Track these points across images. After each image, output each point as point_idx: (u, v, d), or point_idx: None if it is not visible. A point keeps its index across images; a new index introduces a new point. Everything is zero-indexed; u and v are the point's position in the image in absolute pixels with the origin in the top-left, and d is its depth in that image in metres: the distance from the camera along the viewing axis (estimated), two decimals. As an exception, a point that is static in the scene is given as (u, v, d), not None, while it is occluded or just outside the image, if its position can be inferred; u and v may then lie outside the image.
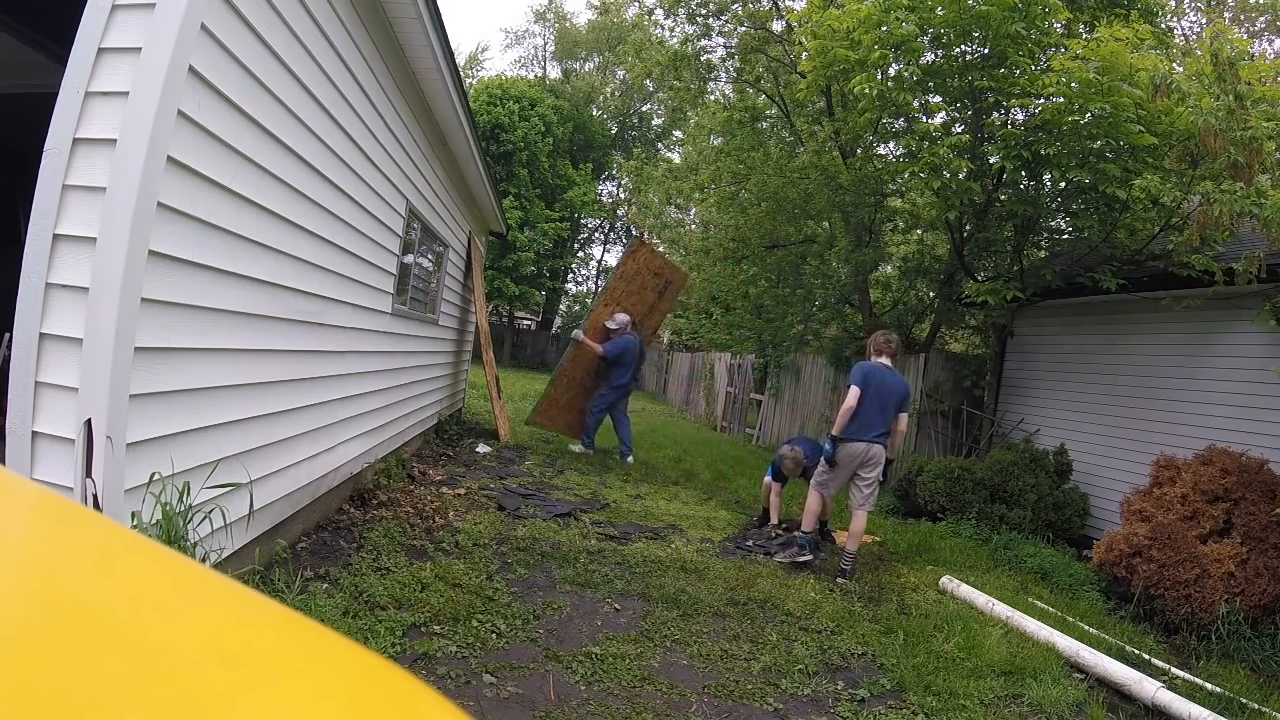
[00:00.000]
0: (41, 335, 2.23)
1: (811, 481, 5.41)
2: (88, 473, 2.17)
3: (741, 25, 13.06)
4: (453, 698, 1.17)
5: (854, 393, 5.00)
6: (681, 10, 13.57)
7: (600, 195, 32.09)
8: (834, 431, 5.12)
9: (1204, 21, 13.68)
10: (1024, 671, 3.68)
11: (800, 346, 12.27)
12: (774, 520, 6.15)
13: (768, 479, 6.29)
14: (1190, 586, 4.68)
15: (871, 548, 6.00)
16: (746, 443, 13.28)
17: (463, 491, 5.86)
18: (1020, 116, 7.79)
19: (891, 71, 7.78)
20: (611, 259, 35.31)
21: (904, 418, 5.21)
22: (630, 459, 8.55)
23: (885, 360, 5.22)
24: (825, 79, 8.65)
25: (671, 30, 15.03)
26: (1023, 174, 7.93)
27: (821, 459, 5.31)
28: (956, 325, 10.76)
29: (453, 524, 4.87)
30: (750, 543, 5.74)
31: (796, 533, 5.35)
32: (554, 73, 35.12)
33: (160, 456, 2.51)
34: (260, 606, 0.50)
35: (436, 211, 6.78)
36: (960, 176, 7.79)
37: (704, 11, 13.31)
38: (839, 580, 4.95)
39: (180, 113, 2.34)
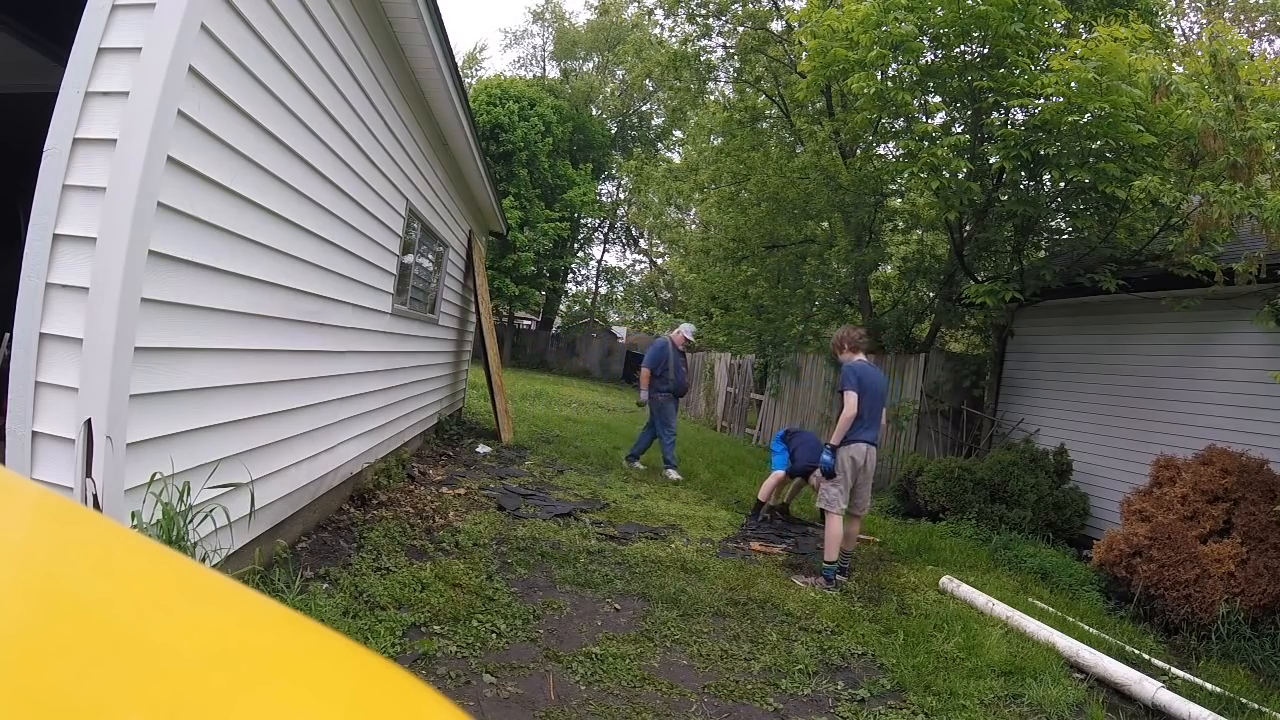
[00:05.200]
0: (41, 335, 2.23)
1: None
2: (88, 473, 2.17)
3: (741, 25, 13.06)
4: (453, 698, 1.17)
5: (852, 399, 4.87)
6: (681, 10, 13.57)
7: (600, 195, 32.05)
8: (833, 441, 4.92)
9: (1204, 21, 13.68)
10: (1024, 671, 3.68)
11: (800, 346, 12.26)
12: (762, 498, 6.09)
13: (780, 473, 6.23)
14: (1190, 586, 4.68)
15: (871, 548, 6.01)
16: (746, 442, 13.28)
17: (463, 491, 5.86)
18: (1020, 116, 7.78)
19: (891, 71, 7.77)
20: (611, 259, 35.27)
21: (884, 411, 5.23)
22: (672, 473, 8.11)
23: (862, 357, 5.16)
24: (825, 79, 8.64)
25: (671, 30, 15.05)
26: (1022, 174, 7.93)
27: (820, 472, 5.08)
28: (956, 325, 10.76)
29: (453, 524, 4.87)
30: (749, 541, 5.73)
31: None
32: (553, 72, 35.13)
33: (160, 456, 2.51)
34: (260, 606, 0.50)
35: (436, 211, 6.78)
36: (960, 176, 7.79)
37: (704, 11, 13.31)
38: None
39: (180, 113, 2.34)
